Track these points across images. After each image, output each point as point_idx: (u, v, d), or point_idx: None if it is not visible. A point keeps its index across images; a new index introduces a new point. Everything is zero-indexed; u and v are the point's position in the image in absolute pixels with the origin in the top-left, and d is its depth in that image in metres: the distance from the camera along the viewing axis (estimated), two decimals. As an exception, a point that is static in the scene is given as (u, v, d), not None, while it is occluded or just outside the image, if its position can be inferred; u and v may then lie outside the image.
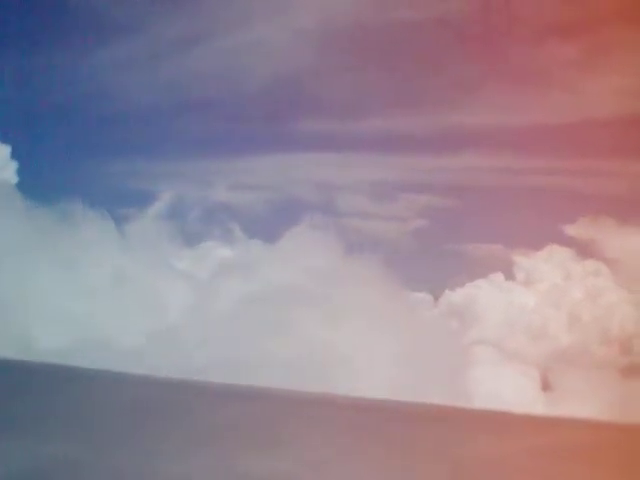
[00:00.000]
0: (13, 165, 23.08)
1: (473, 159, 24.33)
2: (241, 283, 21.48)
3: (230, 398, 10.19)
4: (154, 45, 23.54)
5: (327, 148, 24.57)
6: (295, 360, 17.90)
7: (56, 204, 21.63)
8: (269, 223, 23.95)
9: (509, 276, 24.66)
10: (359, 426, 9.15)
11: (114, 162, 24.12)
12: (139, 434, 7.82)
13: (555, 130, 23.61)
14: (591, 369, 21.58)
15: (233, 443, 7.79)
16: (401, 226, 25.25)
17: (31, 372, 10.78)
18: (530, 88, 23.84)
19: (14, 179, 22.92)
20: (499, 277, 24.56)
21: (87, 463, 6.59)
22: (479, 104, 24.06)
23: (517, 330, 23.99)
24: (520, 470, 7.41)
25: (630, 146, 21.79)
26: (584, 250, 24.18)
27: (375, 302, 21.20)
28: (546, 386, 21.68)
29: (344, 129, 24.69)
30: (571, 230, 23.97)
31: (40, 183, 23.09)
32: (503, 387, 20.90)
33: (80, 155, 24.46)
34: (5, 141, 23.07)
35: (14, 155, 23.13)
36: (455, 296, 24.48)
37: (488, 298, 24.42)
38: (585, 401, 19.20)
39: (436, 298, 24.43)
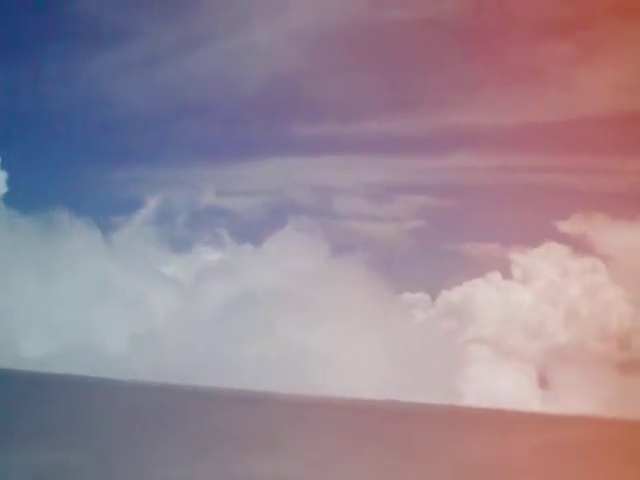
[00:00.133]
0: (2, 175, 23.11)
1: (469, 159, 24.38)
2: (228, 287, 21.55)
3: (227, 402, 10.27)
4: (149, 50, 23.62)
5: (324, 151, 24.64)
6: (277, 362, 17.96)
7: (42, 213, 21.79)
8: (265, 227, 24.00)
9: (506, 274, 24.68)
10: (357, 427, 9.24)
11: (107, 170, 24.21)
12: (138, 439, 7.89)
13: (551, 128, 23.66)
14: (589, 366, 21.57)
15: (232, 446, 7.87)
16: (398, 227, 25.31)
17: (22, 381, 10.82)
18: (526, 86, 23.92)
19: (3, 189, 22.93)
20: (496, 276, 24.57)
21: (86, 469, 6.64)
22: (475, 104, 24.13)
23: (515, 328, 23.99)
24: (520, 467, 7.48)
25: (627, 143, 21.86)
26: (581, 247, 24.23)
27: (368, 303, 21.24)
28: (544, 383, 21.68)
29: (341, 131, 24.76)
30: (567, 227, 24.01)
31: (27, 192, 23.04)
32: (500, 385, 20.92)
33: (71, 163, 24.48)
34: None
35: (3, 165, 23.21)
36: (452, 295, 24.47)
37: (485, 297, 24.42)
38: (583, 398, 19.21)
39: (433, 298, 24.46)
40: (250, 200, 25.14)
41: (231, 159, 24.94)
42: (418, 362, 19.66)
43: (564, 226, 23.93)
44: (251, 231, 24.12)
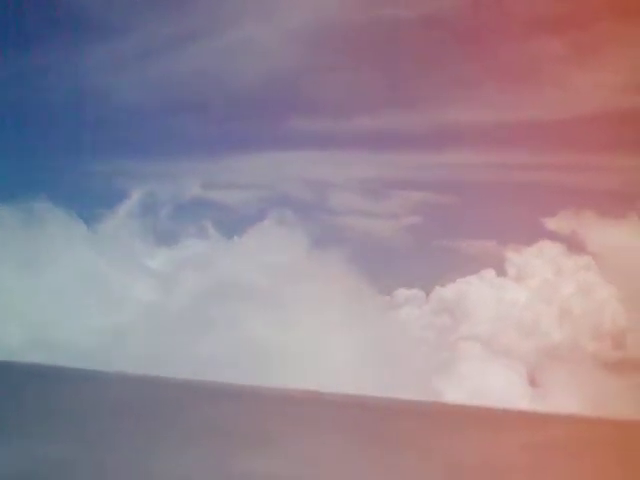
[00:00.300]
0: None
1: (465, 156, 24.42)
2: (205, 279, 21.55)
3: (215, 397, 10.25)
4: (142, 45, 23.53)
5: (319, 146, 24.64)
6: (245, 355, 18.06)
7: (23, 204, 21.54)
8: (256, 220, 23.98)
9: (501, 272, 24.78)
10: (349, 423, 9.22)
11: (93, 162, 23.96)
12: (125, 433, 7.88)
13: (547, 126, 23.69)
14: (582, 364, 21.66)
15: (223, 442, 7.84)
16: (393, 223, 25.35)
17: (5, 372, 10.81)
18: (522, 84, 23.92)
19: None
20: (490, 273, 24.67)
21: (75, 464, 6.63)
22: (471, 101, 24.15)
23: (508, 326, 24.10)
24: (512, 467, 7.47)
25: (624, 140, 21.88)
26: (576, 245, 24.31)
27: (351, 298, 21.27)
28: (536, 382, 21.77)
29: (336, 127, 24.75)
30: (563, 225, 24.07)
31: (7, 183, 22.68)
32: (492, 383, 21.01)
33: (55, 155, 24.30)
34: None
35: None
36: (446, 292, 24.58)
37: (479, 294, 24.52)
38: (574, 396, 19.30)
39: (428, 294, 24.57)
40: (243, 194, 25.16)
41: (224, 153, 24.94)
42: (406, 359, 19.73)
43: (559, 224, 24.00)
44: (242, 225, 24.10)
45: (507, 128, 23.61)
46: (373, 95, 24.81)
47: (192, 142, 25.05)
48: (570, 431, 9.31)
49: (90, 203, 23.77)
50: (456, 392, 19.85)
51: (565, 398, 19.36)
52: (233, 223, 24.10)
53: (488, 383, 20.94)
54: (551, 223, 23.90)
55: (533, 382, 21.70)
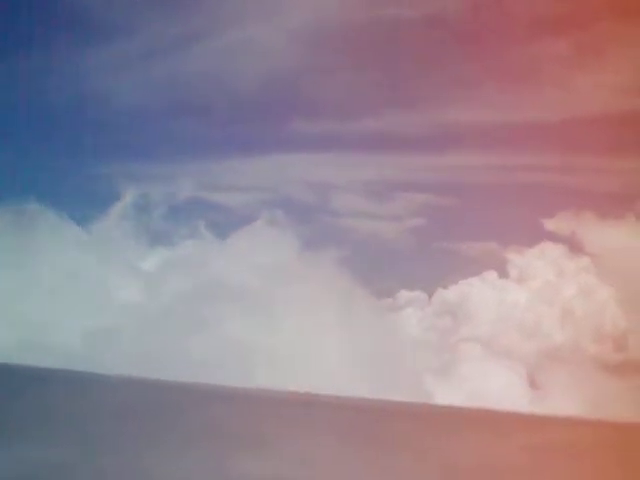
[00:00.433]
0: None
1: (467, 157, 24.37)
2: (195, 280, 21.51)
3: (211, 399, 10.25)
4: (143, 46, 23.52)
5: (322, 148, 24.62)
6: (226, 356, 18.04)
7: (14, 205, 21.44)
8: (257, 222, 23.86)
9: (503, 274, 24.73)
10: (345, 425, 9.22)
11: (98, 164, 23.98)
12: (120, 436, 7.88)
13: (549, 127, 23.64)
14: (583, 366, 21.61)
15: (220, 444, 7.84)
16: (397, 225, 25.33)
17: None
18: (522, 85, 23.89)
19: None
20: (492, 275, 24.62)
21: (73, 466, 6.61)
22: (472, 101, 24.11)
23: (510, 327, 24.04)
24: (510, 469, 7.45)
25: (624, 142, 21.84)
26: (577, 247, 24.26)
27: (347, 300, 21.23)
28: (537, 384, 21.72)
29: (338, 129, 24.73)
30: (564, 226, 24.02)
31: None
32: (493, 385, 20.97)
33: (48, 156, 24.22)
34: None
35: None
36: (448, 294, 24.54)
37: (481, 296, 24.47)
38: (575, 399, 19.25)
39: (430, 296, 24.53)
40: (245, 196, 25.13)
41: (226, 156, 24.91)
42: (404, 361, 19.70)
43: (560, 225, 23.96)
44: (242, 227, 23.98)
45: (508, 129, 23.61)
46: (374, 96, 24.82)
47: (194, 145, 25.03)
48: (570, 433, 9.28)
49: (89, 205, 23.76)
50: (456, 394, 19.82)
51: (565, 400, 19.32)
52: (233, 225, 24.12)
53: (488, 385, 20.89)
54: (552, 224, 23.88)
55: (533, 384, 21.66)
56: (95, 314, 19.92)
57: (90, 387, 10.48)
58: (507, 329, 23.94)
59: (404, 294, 24.46)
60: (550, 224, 23.87)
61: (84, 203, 23.71)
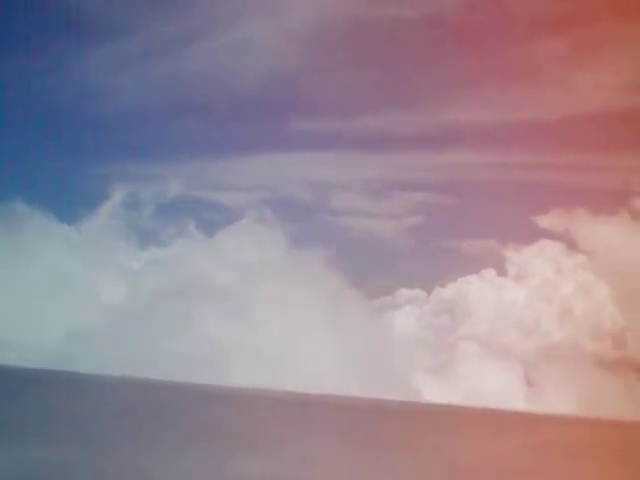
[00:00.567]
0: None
1: (465, 156, 24.40)
2: (182, 279, 21.49)
3: (208, 399, 10.29)
4: (143, 46, 23.50)
5: (321, 147, 24.61)
6: (209, 356, 18.04)
7: (0, 205, 21.26)
8: (257, 223, 23.83)
9: (501, 271, 24.75)
10: (344, 425, 9.26)
11: (96, 165, 23.93)
12: (118, 436, 7.91)
13: (548, 126, 23.65)
14: (581, 364, 21.63)
15: (219, 444, 7.88)
16: (395, 223, 25.35)
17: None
18: (522, 84, 23.90)
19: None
20: (491, 273, 24.63)
21: (73, 466, 6.64)
22: (471, 101, 24.13)
23: (509, 325, 24.06)
24: (510, 467, 7.49)
25: (624, 140, 21.86)
26: (576, 244, 24.27)
27: (336, 299, 21.20)
28: (534, 382, 21.74)
29: (338, 128, 24.72)
30: (563, 223, 24.03)
31: None
32: (490, 383, 20.98)
33: (38, 156, 24.10)
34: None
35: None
36: (446, 292, 24.55)
37: (480, 294, 24.48)
38: (574, 397, 19.28)
39: (429, 294, 24.55)
40: (245, 195, 25.12)
41: (225, 155, 24.90)
42: (400, 360, 19.69)
43: (559, 222, 23.97)
44: (243, 228, 23.93)
45: (507, 128, 23.62)
46: (374, 95, 24.83)
47: (194, 144, 25.02)
48: (567, 432, 9.33)
49: (71, 204, 23.64)
50: (453, 392, 19.84)
51: (564, 397, 19.35)
52: (232, 226, 24.09)
53: (486, 383, 20.90)
54: (550, 222, 23.90)
55: (531, 382, 21.68)
56: (82, 313, 19.90)
57: (90, 387, 10.52)
58: (505, 327, 23.96)
59: (402, 292, 24.50)
60: (549, 222, 23.92)
61: (77, 202, 23.73)
